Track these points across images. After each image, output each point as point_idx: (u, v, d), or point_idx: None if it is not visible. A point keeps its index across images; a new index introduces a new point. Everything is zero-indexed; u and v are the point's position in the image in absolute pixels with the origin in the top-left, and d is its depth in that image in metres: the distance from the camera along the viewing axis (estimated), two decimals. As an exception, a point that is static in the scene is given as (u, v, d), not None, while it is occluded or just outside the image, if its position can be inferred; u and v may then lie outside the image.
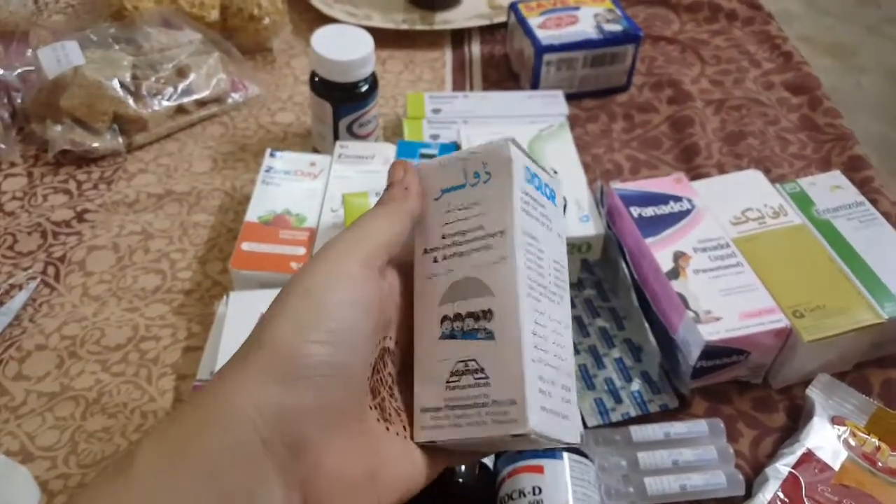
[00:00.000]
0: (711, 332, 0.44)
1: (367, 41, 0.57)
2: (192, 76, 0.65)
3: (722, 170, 0.63)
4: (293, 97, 0.70)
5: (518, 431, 0.26)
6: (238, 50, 0.71)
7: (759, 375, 0.48)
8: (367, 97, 0.59)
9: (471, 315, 0.28)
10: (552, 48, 0.67)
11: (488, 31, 0.79)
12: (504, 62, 0.76)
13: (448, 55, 0.77)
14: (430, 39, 0.78)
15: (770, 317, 0.45)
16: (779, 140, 0.67)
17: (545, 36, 0.68)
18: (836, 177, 0.55)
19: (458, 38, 0.79)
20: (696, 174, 0.63)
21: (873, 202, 0.59)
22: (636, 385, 0.47)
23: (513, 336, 0.27)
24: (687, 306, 0.45)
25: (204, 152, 0.64)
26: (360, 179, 0.55)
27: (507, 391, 0.26)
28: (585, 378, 0.48)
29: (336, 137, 0.60)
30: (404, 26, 0.75)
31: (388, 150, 0.57)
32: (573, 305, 0.53)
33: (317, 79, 0.58)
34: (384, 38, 0.76)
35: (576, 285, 0.54)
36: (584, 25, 0.69)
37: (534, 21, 0.69)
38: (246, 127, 0.67)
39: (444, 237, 0.30)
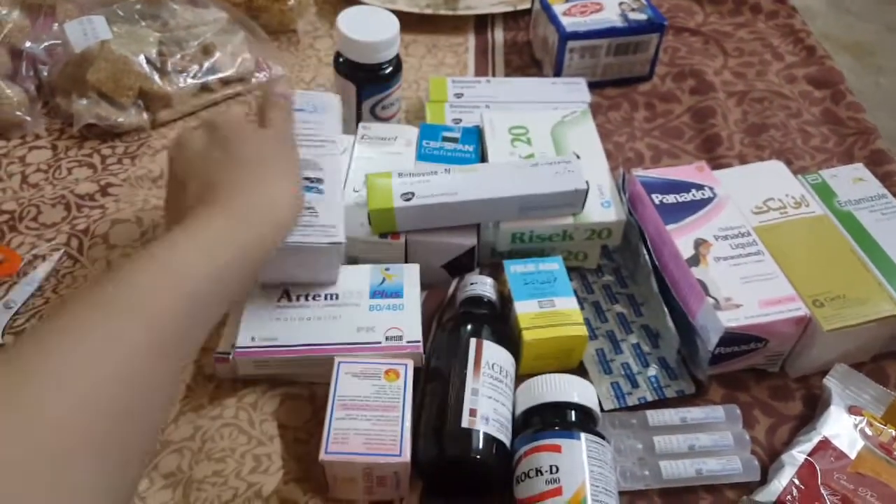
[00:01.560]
0: (731, 319, 0.44)
1: (393, 23, 0.58)
2: (217, 54, 0.66)
3: (743, 160, 0.63)
4: (317, 78, 0.71)
5: (335, 240, 0.45)
6: (263, 30, 0.71)
7: (776, 364, 0.48)
8: (391, 79, 0.59)
9: (308, 179, 0.48)
10: (576, 35, 0.67)
11: (511, 18, 0.79)
12: (527, 49, 0.76)
13: (471, 40, 0.77)
14: (453, 24, 0.78)
15: (790, 305, 0.45)
16: (801, 133, 0.67)
17: (570, 23, 0.68)
18: (859, 169, 0.55)
19: (482, 23, 0.79)
20: (717, 164, 0.63)
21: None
22: (653, 370, 0.48)
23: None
24: (707, 293, 0.46)
25: (227, 130, 0.65)
26: (383, 160, 0.55)
27: (329, 221, 0.46)
28: (602, 363, 0.48)
29: (359, 119, 0.61)
30: (428, 10, 0.76)
31: (411, 133, 0.58)
32: (591, 291, 0.53)
33: (341, 59, 0.58)
34: (408, 23, 0.76)
35: (595, 271, 0.54)
36: (609, 13, 0.69)
37: (558, 8, 0.69)
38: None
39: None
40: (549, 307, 0.47)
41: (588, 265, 0.54)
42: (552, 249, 0.53)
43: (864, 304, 0.45)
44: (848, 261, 0.48)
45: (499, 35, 0.78)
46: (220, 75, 0.66)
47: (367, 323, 0.46)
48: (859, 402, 0.45)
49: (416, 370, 0.44)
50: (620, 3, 0.70)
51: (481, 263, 0.54)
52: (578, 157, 0.52)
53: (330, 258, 0.46)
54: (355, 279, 0.48)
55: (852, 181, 0.54)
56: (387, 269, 0.49)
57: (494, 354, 0.44)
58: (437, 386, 0.43)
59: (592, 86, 0.70)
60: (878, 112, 1.78)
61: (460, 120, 0.62)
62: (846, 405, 0.44)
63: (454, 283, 0.51)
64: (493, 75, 0.73)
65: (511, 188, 0.49)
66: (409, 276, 0.48)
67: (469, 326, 0.45)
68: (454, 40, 0.77)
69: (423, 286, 0.49)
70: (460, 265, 0.52)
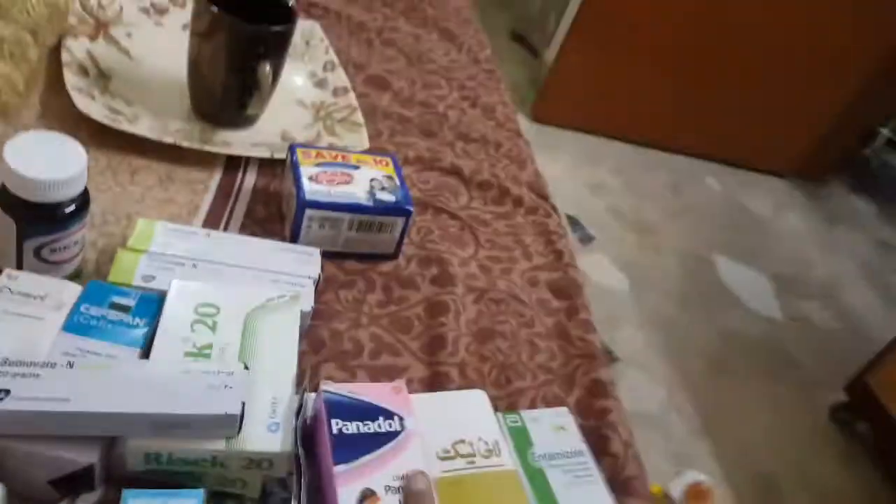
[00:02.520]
0: None
1: (79, 158, 0.48)
2: None
3: (462, 372, 0.59)
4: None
5: None
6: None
7: None
8: (68, 220, 0.50)
9: None
10: (316, 204, 0.62)
11: (269, 164, 0.73)
12: (276, 200, 0.70)
13: (216, 180, 0.69)
14: (201, 156, 0.70)
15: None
16: (529, 345, 0.65)
17: (312, 190, 0.62)
18: (562, 415, 0.52)
19: (235, 163, 0.72)
20: (435, 371, 0.58)
21: (604, 438, 0.58)
22: None
23: None
24: (355, 565, 0.39)
25: None
26: (10, 329, 0.44)
27: None
28: None
29: (20, 264, 0.50)
30: (168, 140, 0.67)
31: (70, 293, 0.47)
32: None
33: (6, 191, 0.48)
34: (147, 144, 0.67)
35: (259, 501, 0.46)
36: (357, 188, 0.64)
37: (306, 170, 0.64)
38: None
39: None
40: (162, 563, 0.38)
41: (249, 494, 0.46)
42: (203, 473, 0.44)
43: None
44: (524, 531, 0.44)
45: (250, 179, 0.71)
46: None
47: None
48: None
49: None
50: (372, 179, 0.66)
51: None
52: (247, 367, 0.45)
53: None
54: None
55: (553, 429, 0.51)
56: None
57: None
58: None
59: (333, 256, 0.65)
60: (649, 292, 1.93)
61: (154, 278, 0.53)
62: None
63: (60, 506, 0.40)
64: (227, 224, 0.65)
65: (142, 403, 0.40)
66: (-17, 501, 0.37)
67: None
68: (196, 175, 0.68)
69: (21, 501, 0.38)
70: (76, 483, 0.41)
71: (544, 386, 0.62)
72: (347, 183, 0.64)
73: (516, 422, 0.50)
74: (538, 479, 0.47)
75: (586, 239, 2.04)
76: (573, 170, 2.29)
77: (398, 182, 0.67)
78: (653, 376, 1.71)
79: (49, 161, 0.47)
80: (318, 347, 0.57)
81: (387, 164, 0.68)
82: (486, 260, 0.72)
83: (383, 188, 0.65)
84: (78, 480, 0.41)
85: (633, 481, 0.54)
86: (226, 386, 0.42)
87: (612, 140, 2.45)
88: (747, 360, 1.88)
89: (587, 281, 1.87)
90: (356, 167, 0.66)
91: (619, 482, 0.54)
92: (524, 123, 0.91)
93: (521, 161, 0.88)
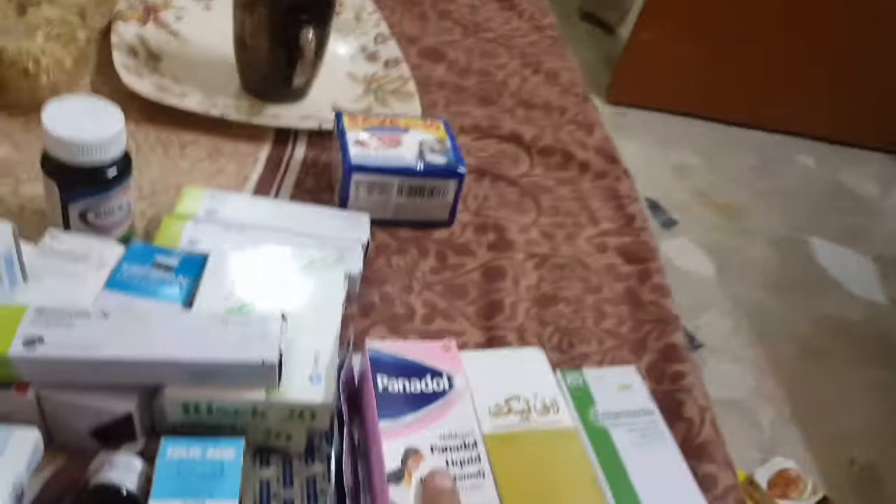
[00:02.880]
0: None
1: (116, 119, 0.48)
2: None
3: (521, 336, 0.55)
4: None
5: None
6: (13, 105, 0.60)
7: None
8: (109, 184, 0.49)
9: None
10: (363, 168, 0.59)
11: (318, 136, 0.72)
12: (327, 172, 0.68)
13: (265, 152, 0.68)
14: (250, 131, 0.69)
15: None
16: (594, 311, 0.60)
17: (358, 154, 0.60)
18: (629, 373, 0.48)
19: (284, 136, 0.71)
20: (491, 336, 0.55)
21: (679, 403, 0.53)
22: None
23: None
24: (396, 524, 0.36)
25: None
26: (55, 285, 0.44)
27: None
28: None
29: (66, 225, 0.50)
30: (214, 112, 0.66)
31: (112, 252, 0.47)
32: (289, 484, 0.42)
33: (47, 156, 0.48)
34: (198, 119, 0.67)
35: (303, 457, 0.44)
36: (406, 151, 0.62)
37: (353, 135, 0.62)
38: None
39: None
40: (196, 516, 0.36)
41: (294, 448, 0.43)
42: (246, 426, 0.42)
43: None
44: (587, 496, 0.39)
45: (300, 152, 0.69)
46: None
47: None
48: None
49: None
50: (421, 142, 0.63)
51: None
52: (285, 317, 0.42)
53: None
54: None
55: (617, 388, 0.46)
56: (-14, 434, 0.36)
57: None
58: None
59: (385, 224, 0.62)
60: (731, 277, 1.83)
61: (199, 242, 0.52)
62: None
63: (99, 460, 0.39)
64: (277, 196, 0.64)
65: (177, 350, 0.38)
66: (16, 449, 0.36)
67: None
68: (245, 148, 0.68)
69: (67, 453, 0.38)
70: (117, 433, 0.40)
71: (612, 351, 0.57)
72: (396, 146, 0.62)
73: (577, 380, 0.46)
74: (601, 439, 0.43)
75: (668, 223, 1.95)
76: (652, 152, 2.20)
77: (450, 144, 0.64)
78: (740, 363, 1.61)
79: (87, 123, 0.47)
80: (368, 311, 0.55)
81: (438, 128, 0.65)
82: (548, 226, 0.68)
83: (433, 150, 0.62)
84: (119, 430, 0.40)
85: (709, 446, 0.49)
86: (263, 335, 0.40)
87: (694, 119, 2.34)
88: (846, 345, 1.75)
89: (669, 265, 1.79)
90: (405, 131, 0.64)
91: (692, 447, 0.49)
92: (599, 106, 0.86)
93: (588, 126, 0.83)
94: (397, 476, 0.38)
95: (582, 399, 0.45)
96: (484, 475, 0.39)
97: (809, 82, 2.25)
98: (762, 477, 1.27)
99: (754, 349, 1.65)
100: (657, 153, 2.20)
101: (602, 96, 2.30)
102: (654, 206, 1.98)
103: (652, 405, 0.46)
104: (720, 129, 2.35)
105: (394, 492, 0.37)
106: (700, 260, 1.88)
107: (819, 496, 1.28)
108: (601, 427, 0.44)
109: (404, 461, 0.38)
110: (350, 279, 0.53)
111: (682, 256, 1.87)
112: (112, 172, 0.49)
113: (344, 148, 0.60)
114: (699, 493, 0.42)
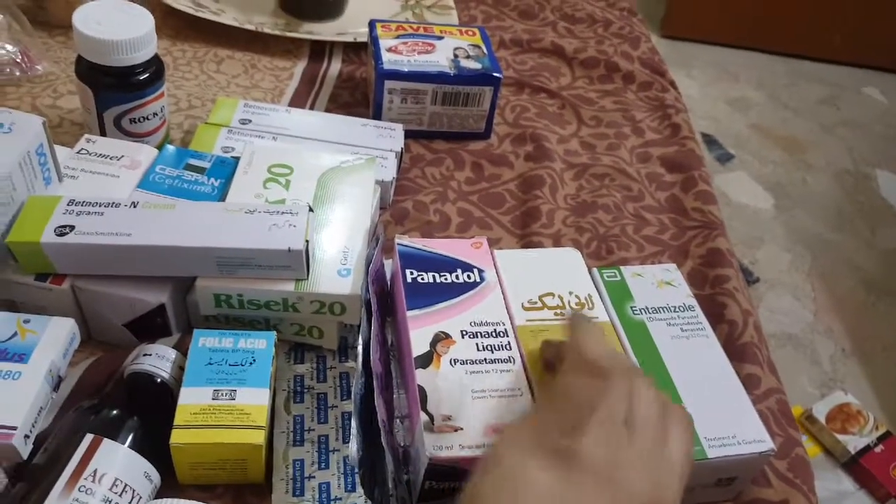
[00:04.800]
0: (439, 447, 0.34)
1: (146, 20, 0.48)
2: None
3: (557, 242, 0.54)
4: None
5: None
6: (53, 22, 0.61)
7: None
8: (143, 87, 0.49)
9: None
10: (396, 74, 0.58)
11: (353, 49, 0.70)
12: (362, 86, 0.67)
13: (300, 67, 0.67)
14: (285, 47, 0.69)
15: (524, 435, 0.35)
16: (636, 219, 0.58)
17: (391, 60, 0.59)
18: (671, 271, 0.46)
19: (320, 50, 0.70)
20: (527, 242, 0.54)
21: (721, 306, 0.51)
22: (358, 498, 0.37)
23: None
24: (424, 406, 0.35)
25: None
26: (90, 183, 0.44)
27: None
28: (297, 479, 0.37)
29: (103, 132, 0.50)
30: (248, 26, 0.66)
31: (145, 154, 0.47)
32: (323, 379, 0.42)
33: (81, 60, 0.48)
34: (233, 37, 0.67)
35: (336, 353, 0.44)
36: (440, 56, 0.60)
37: (385, 42, 0.60)
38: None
39: None
40: (227, 399, 0.36)
41: (327, 345, 0.44)
42: (279, 321, 0.42)
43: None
44: (619, 383, 0.38)
45: (335, 67, 0.69)
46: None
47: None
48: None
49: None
50: (456, 48, 0.61)
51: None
52: (312, 209, 0.42)
53: None
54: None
55: (657, 284, 0.45)
56: (26, 322, 0.37)
57: (114, 462, 0.33)
58: (27, 490, 0.32)
59: (421, 135, 0.61)
60: (797, 210, 1.76)
61: (233, 149, 0.52)
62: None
63: (135, 352, 0.40)
64: (312, 109, 0.63)
65: (203, 237, 0.39)
66: (53, 335, 0.37)
67: (96, 415, 0.34)
68: (280, 63, 0.67)
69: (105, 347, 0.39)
70: (151, 327, 0.41)
71: (652, 256, 0.55)
72: (429, 52, 0.60)
73: (614, 276, 0.45)
74: (638, 332, 0.41)
75: (724, 157, 1.89)
76: (709, 86, 2.11)
77: (486, 50, 0.62)
78: (798, 298, 1.56)
79: (117, 24, 0.47)
80: (402, 218, 0.54)
81: (473, 34, 0.63)
82: (589, 137, 0.66)
83: (469, 56, 0.61)
84: (153, 323, 0.40)
85: (751, 347, 0.47)
86: (290, 225, 0.40)
87: (752, 51, 2.23)
88: (912, 281, 1.67)
89: (724, 200, 1.73)
90: (440, 37, 0.62)
91: (734, 347, 0.47)
92: (654, 40, 0.81)
93: (634, 39, 0.80)
94: (425, 360, 0.37)
95: (619, 294, 0.44)
96: (514, 361, 0.38)
97: (877, 9, 2.12)
98: (820, 411, 1.24)
99: (814, 283, 1.59)
100: (714, 87, 2.11)
101: (657, 30, 2.21)
102: (711, 141, 1.91)
103: (693, 301, 0.44)
104: (781, 61, 2.24)
105: (420, 376, 0.37)
106: (758, 194, 1.81)
107: (882, 431, 1.24)
108: (639, 321, 0.42)
109: (433, 344, 0.38)
110: (383, 186, 0.53)
111: (739, 190, 1.81)
112: (145, 75, 0.49)
113: (377, 55, 0.59)
114: (741, 387, 0.40)
